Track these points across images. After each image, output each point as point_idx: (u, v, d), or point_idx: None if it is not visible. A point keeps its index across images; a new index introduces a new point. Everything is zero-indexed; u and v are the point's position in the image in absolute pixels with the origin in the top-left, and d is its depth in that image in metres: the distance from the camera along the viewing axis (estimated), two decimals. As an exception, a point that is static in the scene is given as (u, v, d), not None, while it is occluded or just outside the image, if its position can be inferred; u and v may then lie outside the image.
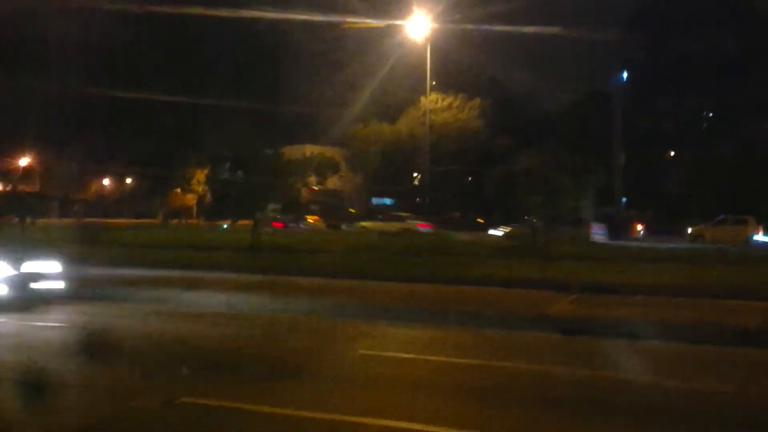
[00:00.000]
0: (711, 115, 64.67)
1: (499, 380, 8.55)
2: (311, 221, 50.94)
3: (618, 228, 41.41)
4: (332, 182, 62.30)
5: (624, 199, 56.94)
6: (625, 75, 61.51)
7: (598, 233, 37.22)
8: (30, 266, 13.45)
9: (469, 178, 57.03)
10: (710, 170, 50.30)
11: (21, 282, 13.10)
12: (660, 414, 7.19)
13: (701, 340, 10.88)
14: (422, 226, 42.81)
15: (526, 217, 29.63)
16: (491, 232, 39.85)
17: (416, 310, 13.23)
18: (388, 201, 66.72)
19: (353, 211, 55.51)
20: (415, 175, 60.08)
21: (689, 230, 40.79)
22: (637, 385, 8.40)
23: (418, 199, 61.07)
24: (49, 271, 13.68)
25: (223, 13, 52.23)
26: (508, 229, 38.09)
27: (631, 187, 54.38)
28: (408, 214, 48.47)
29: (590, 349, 10.66)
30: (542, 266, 19.57)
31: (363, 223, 45.73)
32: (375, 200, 66.59)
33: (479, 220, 45.67)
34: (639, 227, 45.06)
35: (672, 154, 60.81)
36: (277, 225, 43.01)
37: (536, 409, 7.29)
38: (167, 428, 6.43)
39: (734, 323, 11.79)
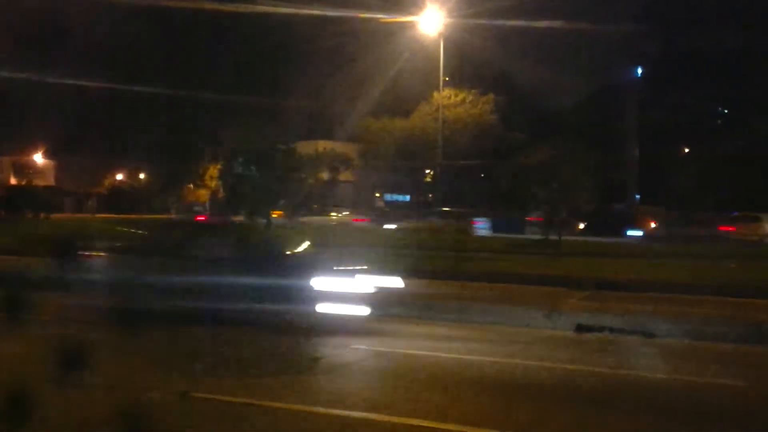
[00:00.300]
0: (726, 111, 64.34)
1: (512, 377, 8.56)
2: (275, 215, 52.27)
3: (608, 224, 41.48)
4: (345, 177, 62.37)
5: (637, 196, 56.77)
6: (639, 70, 61.25)
7: (480, 227, 38.48)
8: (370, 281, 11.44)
9: (482, 175, 56.94)
10: (724, 165, 50.00)
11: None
12: (675, 410, 7.19)
13: (715, 337, 10.86)
14: (356, 221, 45.44)
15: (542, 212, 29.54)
16: (386, 226, 41.78)
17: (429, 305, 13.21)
18: (399, 197, 66.83)
19: (316, 206, 56.57)
20: (427, 171, 60.03)
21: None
22: (652, 381, 8.39)
23: (430, 195, 61.00)
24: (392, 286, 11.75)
25: (236, 8, 52.27)
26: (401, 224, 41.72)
27: (644, 182, 54.21)
28: (347, 210, 53.66)
29: (604, 345, 10.65)
30: (552, 262, 19.58)
31: (303, 218, 48.06)
32: (388, 197, 66.65)
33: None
34: (652, 223, 44.87)
35: (686, 150, 60.52)
36: (200, 218, 44.36)
37: (549, 405, 7.30)
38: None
39: (747, 320, 11.74)
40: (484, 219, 39.69)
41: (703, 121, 60.64)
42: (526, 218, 37.98)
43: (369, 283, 11.33)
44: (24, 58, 52.86)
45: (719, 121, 64.20)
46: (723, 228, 36.59)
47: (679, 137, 59.61)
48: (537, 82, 54.89)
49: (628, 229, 39.79)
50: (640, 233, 39.14)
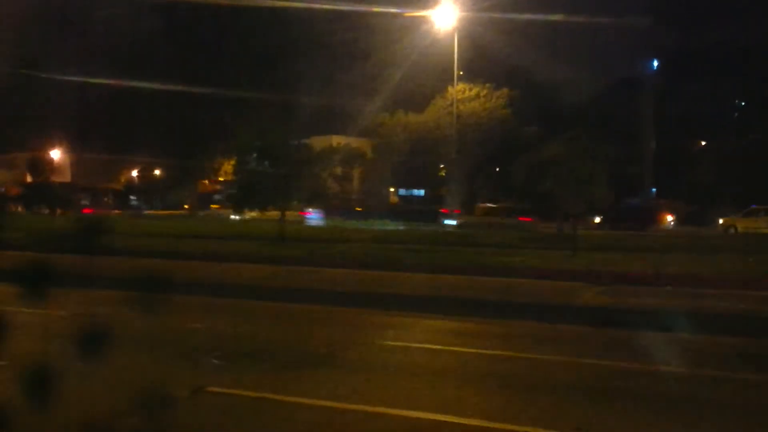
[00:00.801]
0: (743, 104, 63.82)
1: (527, 371, 8.48)
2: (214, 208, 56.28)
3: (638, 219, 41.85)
4: (358, 173, 62.25)
5: (654, 189, 56.40)
6: (655, 63, 60.86)
7: (312, 218, 41.16)
8: None
9: (497, 169, 56.71)
10: (742, 159, 49.59)
11: None
12: (692, 403, 7.08)
13: (732, 330, 10.72)
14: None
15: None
16: (232, 216, 43.51)
17: (443, 300, 13.17)
18: (415, 192, 66.71)
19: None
20: (441, 165, 59.87)
21: (720, 221, 40.40)
22: (668, 375, 8.28)
23: (444, 190, 60.81)
24: None
25: (250, 3, 52.37)
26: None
27: (661, 176, 53.88)
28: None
29: (619, 339, 10.55)
30: (569, 256, 19.51)
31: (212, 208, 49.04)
32: (402, 191, 66.55)
33: (357, 208, 48.48)
34: (669, 217, 44.85)
35: (703, 143, 60.09)
36: (87, 211, 44.80)
37: (564, 399, 7.21)
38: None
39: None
40: (316, 210, 42.49)
41: (721, 115, 60.18)
42: (441, 210, 44.16)
43: None
44: (38, 54, 53.15)
45: (736, 115, 63.66)
46: (522, 219, 39.67)
47: (697, 131, 59.21)
48: (552, 76, 54.69)
49: (444, 218, 44.84)
50: (454, 222, 43.22)
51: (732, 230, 38.44)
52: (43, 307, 10.80)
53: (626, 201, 47.43)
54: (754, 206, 39.94)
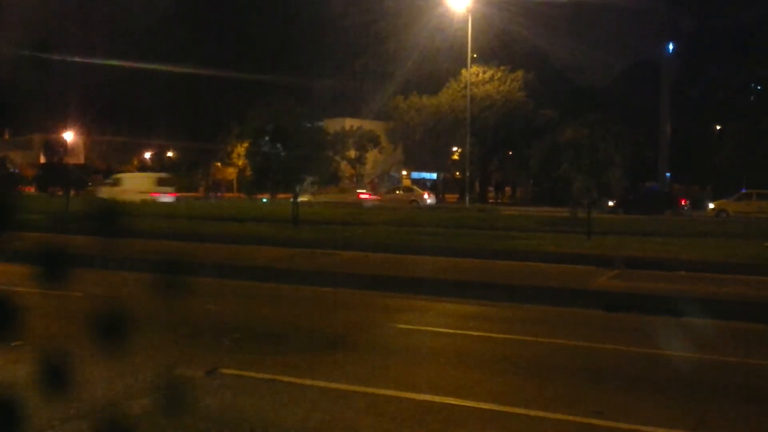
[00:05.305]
0: (759, 88, 63.29)
1: (541, 355, 8.48)
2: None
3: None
4: (372, 156, 62.26)
5: (668, 174, 56.06)
6: (671, 47, 60.36)
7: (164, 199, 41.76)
8: None
9: (509, 153, 56.51)
10: (758, 143, 49.17)
11: None
12: (701, 389, 7.06)
13: (745, 317, 10.65)
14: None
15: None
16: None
17: (458, 283, 13.15)
18: (427, 175, 66.68)
19: None
20: (454, 149, 59.76)
21: (711, 205, 40.12)
22: (679, 360, 8.25)
23: (457, 173, 60.73)
24: None
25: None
26: None
27: (676, 161, 53.55)
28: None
29: (631, 324, 10.52)
30: (584, 240, 19.46)
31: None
32: (415, 174, 66.55)
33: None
34: (683, 202, 44.52)
35: (718, 128, 59.63)
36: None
37: (577, 384, 7.21)
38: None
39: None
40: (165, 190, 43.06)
41: (737, 99, 59.68)
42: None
43: None
44: (53, 36, 53.24)
45: (752, 98, 63.13)
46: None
47: (713, 115, 58.78)
48: (568, 59, 54.33)
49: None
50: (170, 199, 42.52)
51: (723, 214, 38.00)
52: (59, 288, 10.78)
53: (643, 185, 47.11)
54: (744, 190, 40.05)
